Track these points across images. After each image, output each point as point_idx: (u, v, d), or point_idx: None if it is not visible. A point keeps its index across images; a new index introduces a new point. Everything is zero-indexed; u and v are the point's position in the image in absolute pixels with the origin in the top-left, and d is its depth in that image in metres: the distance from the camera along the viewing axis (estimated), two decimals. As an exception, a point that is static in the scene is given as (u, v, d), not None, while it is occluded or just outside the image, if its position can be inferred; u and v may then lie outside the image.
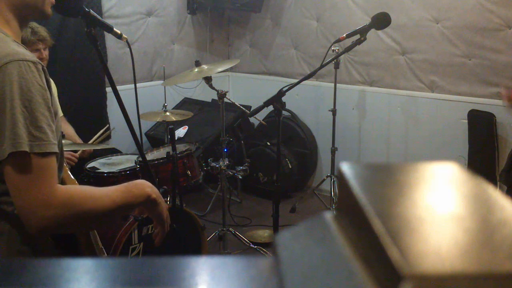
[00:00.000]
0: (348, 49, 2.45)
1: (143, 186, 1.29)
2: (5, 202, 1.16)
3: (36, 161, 1.09)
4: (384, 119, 4.11)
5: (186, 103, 4.58)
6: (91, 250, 1.35)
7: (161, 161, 2.83)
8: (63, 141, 3.07)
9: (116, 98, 1.61)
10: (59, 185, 1.14)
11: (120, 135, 3.85)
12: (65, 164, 1.35)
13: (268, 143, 4.29)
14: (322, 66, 2.46)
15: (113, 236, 2.38)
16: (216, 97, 3.28)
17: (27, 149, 1.08)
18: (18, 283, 0.46)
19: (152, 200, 1.29)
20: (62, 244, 1.32)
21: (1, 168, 1.10)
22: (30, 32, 3.04)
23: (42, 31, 3.08)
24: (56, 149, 1.14)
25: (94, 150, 3.37)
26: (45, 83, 1.15)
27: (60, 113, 3.47)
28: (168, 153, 2.73)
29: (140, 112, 1.96)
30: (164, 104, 3.64)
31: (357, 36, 2.40)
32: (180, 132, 4.19)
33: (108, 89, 4.02)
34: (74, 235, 1.35)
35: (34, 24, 3.06)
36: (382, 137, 4.15)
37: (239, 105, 3.43)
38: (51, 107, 1.15)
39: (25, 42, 3.01)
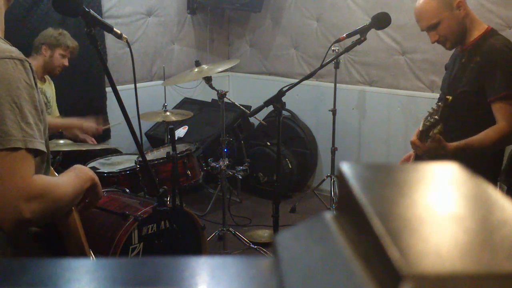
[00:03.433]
0: (348, 49, 2.45)
1: (86, 170, 1.33)
2: None
3: (17, 155, 1.07)
4: (384, 119, 4.11)
5: (186, 103, 4.58)
6: (81, 251, 1.34)
7: (161, 161, 2.83)
8: (61, 141, 3.09)
9: (116, 98, 1.61)
10: (35, 175, 1.12)
11: (120, 135, 3.85)
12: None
13: (268, 143, 4.29)
14: (322, 66, 2.46)
15: (113, 236, 2.38)
16: (216, 97, 3.28)
17: (20, 145, 1.06)
18: (18, 283, 0.46)
19: (96, 182, 1.34)
20: (47, 246, 1.30)
21: None
22: (68, 39, 3.20)
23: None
24: (43, 148, 1.13)
25: (94, 150, 3.38)
26: (33, 82, 1.14)
27: (56, 113, 3.48)
28: (168, 153, 2.73)
29: (140, 112, 1.96)
30: (164, 104, 3.64)
31: (357, 36, 2.39)
32: (180, 132, 4.19)
33: (108, 89, 4.02)
34: (60, 238, 1.33)
35: (65, 31, 3.22)
36: (382, 137, 4.15)
37: (239, 105, 3.43)
38: (38, 106, 1.14)
39: (59, 45, 3.13)
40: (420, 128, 2.07)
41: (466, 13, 2.18)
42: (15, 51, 1.14)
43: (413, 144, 2.11)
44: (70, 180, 1.23)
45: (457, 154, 2.04)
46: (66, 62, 3.23)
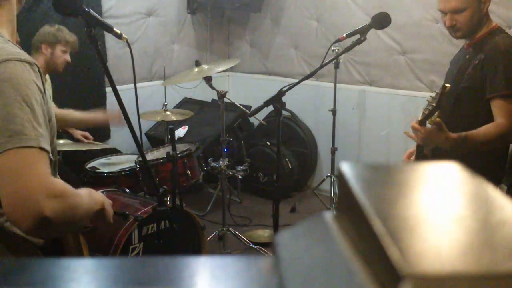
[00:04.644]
0: (348, 49, 2.45)
1: (98, 194, 1.33)
2: None
3: (33, 153, 1.05)
4: (384, 119, 4.11)
5: (186, 103, 4.58)
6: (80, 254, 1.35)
7: (161, 161, 2.83)
8: (62, 141, 3.08)
9: (116, 98, 1.60)
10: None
11: (120, 135, 3.85)
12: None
13: (268, 143, 4.29)
14: (322, 66, 2.46)
15: (113, 236, 2.38)
16: (216, 97, 3.28)
17: (33, 144, 1.04)
18: (18, 283, 0.46)
19: (104, 207, 1.34)
20: (50, 253, 1.29)
21: None
22: (67, 34, 3.13)
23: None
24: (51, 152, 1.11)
25: (94, 150, 3.37)
26: (42, 86, 1.12)
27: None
28: (168, 153, 2.73)
29: (140, 112, 1.96)
30: (164, 104, 3.64)
31: (357, 36, 2.39)
32: (180, 132, 4.19)
33: (108, 89, 4.01)
34: (62, 245, 1.33)
35: (62, 26, 3.17)
36: (382, 137, 4.15)
37: (239, 105, 3.43)
38: (45, 110, 1.12)
39: (59, 41, 3.08)
40: (420, 118, 2.06)
41: (487, 10, 2.21)
42: (24, 54, 1.13)
43: (413, 128, 2.09)
44: (85, 195, 1.23)
45: (457, 146, 2.04)
46: (68, 57, 3.15)
